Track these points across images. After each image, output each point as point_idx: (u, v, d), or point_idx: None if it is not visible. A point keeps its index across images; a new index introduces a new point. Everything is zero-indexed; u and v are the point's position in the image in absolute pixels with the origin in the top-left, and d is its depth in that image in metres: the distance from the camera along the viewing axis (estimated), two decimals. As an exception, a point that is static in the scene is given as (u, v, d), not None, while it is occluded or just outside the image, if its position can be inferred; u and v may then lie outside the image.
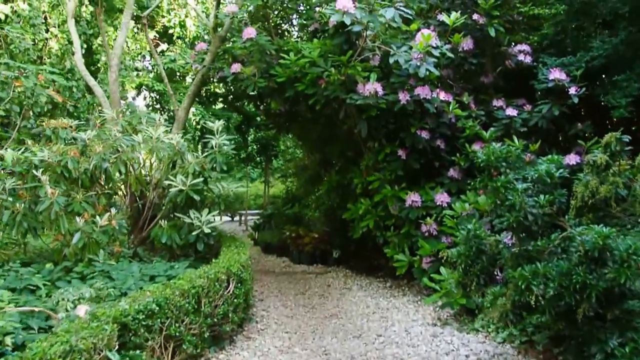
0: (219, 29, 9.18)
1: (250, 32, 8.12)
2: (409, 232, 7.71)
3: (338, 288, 8.51)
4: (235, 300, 5.49)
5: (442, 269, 6.59)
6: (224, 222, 22.31)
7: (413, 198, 7.58)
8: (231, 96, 11.33)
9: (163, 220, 6.88)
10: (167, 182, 6.73)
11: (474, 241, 4.89)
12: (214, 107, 15.71)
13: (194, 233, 6.60)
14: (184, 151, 6.91)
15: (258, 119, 15.04)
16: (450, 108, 7.61)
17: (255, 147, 18.79)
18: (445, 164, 7.98)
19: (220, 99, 13.98)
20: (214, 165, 6.86)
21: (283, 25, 10.56)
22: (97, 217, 6.07)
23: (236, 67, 8.44)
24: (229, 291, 5.39)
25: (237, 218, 22.04)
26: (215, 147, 6.81)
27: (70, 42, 12.40)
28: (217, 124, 6.99)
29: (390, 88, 7.59)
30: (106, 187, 6.96)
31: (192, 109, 15.88)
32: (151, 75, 13.45)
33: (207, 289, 4.94)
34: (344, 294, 8.04)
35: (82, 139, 6.81)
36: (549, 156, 4.70)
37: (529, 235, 4.48)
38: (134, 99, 13.39)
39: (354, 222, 8.76)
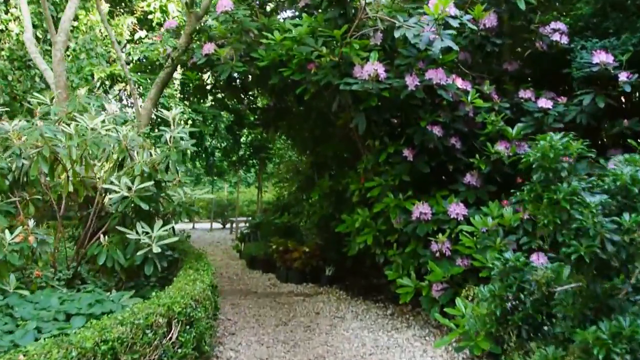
0: (195, 7, 7.75)
1: (225, 3, 6.69)
2: (415, 251, 6.43)
3: (329, 316, 7.07)
4: (179, 350, 4.00)
5: (458, 300, 5.36)
6: (215, 229, 20.99)
7: (421, 209, 6.25)
8: (209, 86, 9.86)
9: (104, 236, 5.39)
10: (107, 187, 5.25)
11: (513, 276, 3.41)
12: (201, 104, 14.19)
13: (140, 253, 5.12)
14: (132, 147, 5.43)
15: (252, 118, 13.58)
16: (470, 98, 6.13)
17: (248, 149, 17.31)
18: (461, 167, 6.67)
19: (210, 96, 12.52)
20: (168, 166, 5.38)
21: (270, 4, 9.12)
22: (7, 232, 4.59)
23: (209, 48, 7.03)
24: (170, 338, 3.91)
25: (228, 225, 20.58)
26: (170, 141, 5.33)
27: (35, 26, 10.99)
28: (174, 113, 5.49)
29: (395, 72, 6.13)
30: (35, 191, 5.49)
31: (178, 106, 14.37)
32: (129, 65, 11.93)
33: (132, 341, 3.46)
34: (336, 326, 6.62)
35: (5, 130, 5.32)
36: (627, 155, 3.21)
37: (603, 272, 2.99)
38: (106, 92, 11.93)
39: (350, 236, 7.34)
